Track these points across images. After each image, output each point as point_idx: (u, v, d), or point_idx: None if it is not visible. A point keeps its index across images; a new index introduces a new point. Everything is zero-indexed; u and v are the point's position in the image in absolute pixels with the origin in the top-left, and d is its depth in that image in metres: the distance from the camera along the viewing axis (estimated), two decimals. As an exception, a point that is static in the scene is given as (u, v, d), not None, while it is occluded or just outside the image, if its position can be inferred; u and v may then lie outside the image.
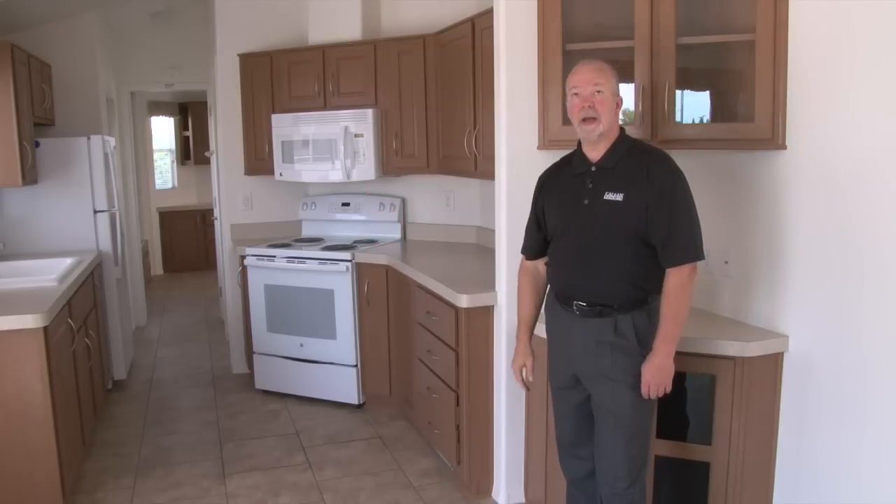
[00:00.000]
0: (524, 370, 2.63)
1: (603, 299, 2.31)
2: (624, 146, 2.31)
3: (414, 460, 3.75)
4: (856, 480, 2.37)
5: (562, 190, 2.41)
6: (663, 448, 2.69)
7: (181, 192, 9.90)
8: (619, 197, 2.24)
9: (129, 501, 3.38)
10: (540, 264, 2.57)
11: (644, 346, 2.29)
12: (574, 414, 2.50)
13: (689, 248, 2.24)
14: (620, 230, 2.25)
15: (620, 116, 2.36)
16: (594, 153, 2.32)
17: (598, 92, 2.23)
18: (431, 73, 4.20)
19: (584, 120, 2.26)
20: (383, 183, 4.88)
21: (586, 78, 2.25)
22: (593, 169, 2.32)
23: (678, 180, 2.26)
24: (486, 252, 4.14)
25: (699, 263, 2.27)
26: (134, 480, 3.58)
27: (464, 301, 3.16)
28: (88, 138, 4.70)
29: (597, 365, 2.33)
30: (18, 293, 3.33)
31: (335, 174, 4.53)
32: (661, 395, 2.29)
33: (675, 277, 2.24)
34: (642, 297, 2.30)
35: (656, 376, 2.25)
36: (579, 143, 2.40)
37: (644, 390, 2.28)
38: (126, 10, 6.39)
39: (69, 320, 3.46)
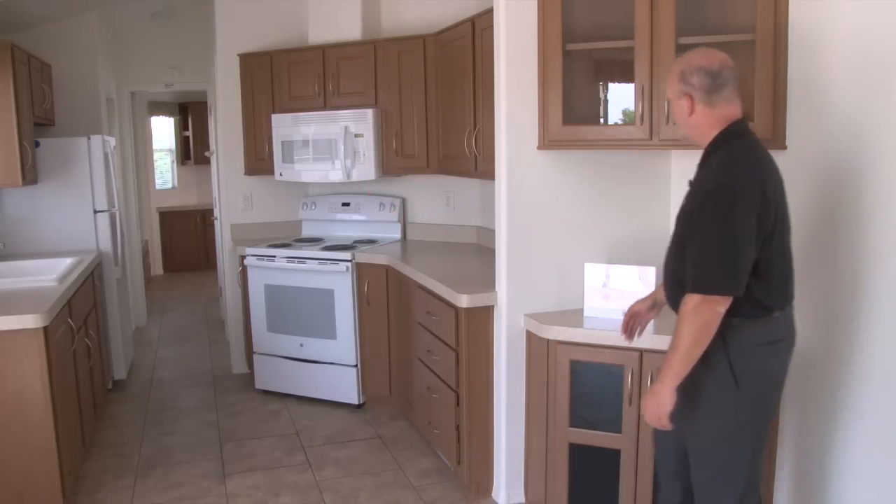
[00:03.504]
0: (636, 321, 2.48)
1: (672, 304, 2.19)
2: (711, 149, 2.10)
3: (414, 460, 3.75)
4: (854, 478, 2.37)
5: None
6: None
7: (181, 192, 9.90)
8: (683, 202, 2.16)
9: (129, 501, 3.38)
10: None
11: (713, 368, 2.06)
12: None
13: (697, 276, 2.00)
14: (676, 239, 2.16)
15: (620, 116, 2.34)
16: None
17: (669, 101, 2.16)
18: (431, 73, 4.20)
19: None
20: (383, 183, 4.88)
21: None
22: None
23: (713, 195, 1.99)
24: (486, 252, 4.14)
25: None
26: (134, 480, 3.58)
27: (464, 301, 3.16)
28: (88, 138, 4.69)
29: None
30: (18, 293, 3.33)
31: (335, 174, 4.53)
32: (655, 425, 2.14)
33: (683, 303, 2.04)
34: None
35: (647, 402, 2.12)
36: None
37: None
38: (126, 10, 6.39)
39: (69, 320, 3.46)
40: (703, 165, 2.12)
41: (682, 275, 2.09)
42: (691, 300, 2.00)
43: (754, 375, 2.07)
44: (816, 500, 2.52)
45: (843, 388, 2.39)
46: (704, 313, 1.98)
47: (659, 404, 2.07)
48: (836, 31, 2.33)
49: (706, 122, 2.08)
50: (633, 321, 2.50)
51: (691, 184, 2.15)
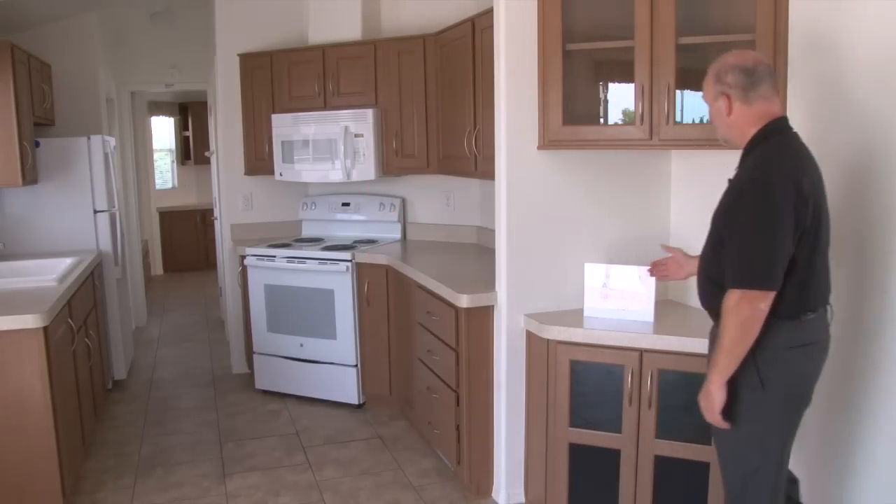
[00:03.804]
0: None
1: (709, 308, 2.19)
2: (750, 147, 2.08)
3: (414, 460, 3.75)
4: (855, 477, 2.37)
5: None
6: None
7: (181, 192, 9.90)
8: (720, 200, 2.14)
9: (129, 501, 3.38)
10: None
11: (741, 370, 2.04)
12: None
13: (736, 272, 1.99)
14: (711, 236, 2.15)
15: (620, 116, 2.34)
16: None
17: (708, 106, 2.16)
18: (431, 73, 4.20)
19: None
20: (383, 183, 4.88)
21: None
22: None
23: (749, 191, 1.99)
24: (486, 252, 4.14)
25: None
26: (134, 480, 3.58)
27: (464, 301, 3.16)
28: (88, 138, 4.69)
29: None
30: (18, 293, 3.33)
31: (335, 174, 4.53)
32: (713, 423, 2.11)
33: (724, 299, 2.02)
34: None
35: (700, 401, 2.13)
36: None
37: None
38: (126, 10, 6.40)
39: (69, 320, 3.46)
40: (742, 164, 2.11)
41: (714, 272, 2.10)
42: (732, 297, 1.99)
43: (781, 378, 2.04)
44: (817, 500, 2.51)
45: (845, 387, 2.38)
46: (744, 310, 1.96)
47: (710, 403, 2.07)
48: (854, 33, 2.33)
49: (745, 120, 2.07)
50: (660, 269, 2.65)
51: (731, 182, 2.14)
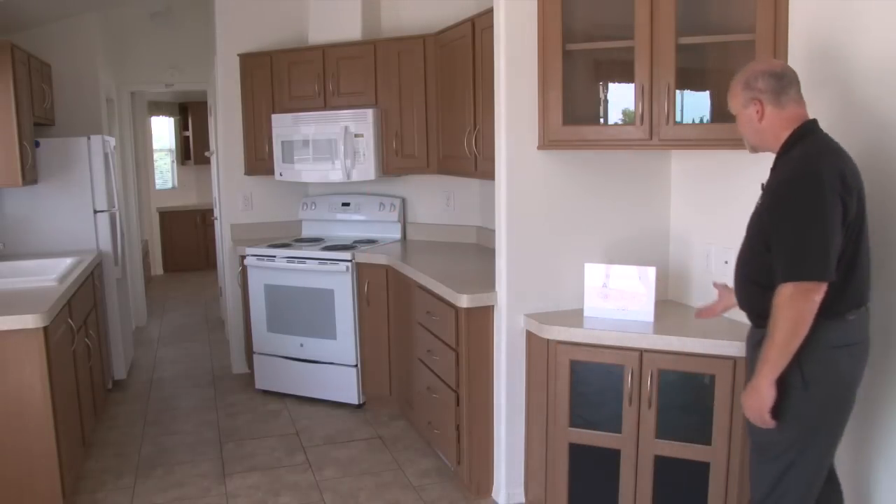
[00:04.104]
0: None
1: (750, 310, 2.20)
2: (785, 149, 2.10)
3: (414, 460, 3.75)
4: (857, 478, 2.36)
5: None
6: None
7: (181, 192, 9.90)
8: (757, 203, 2.16)
9: (129, 501, 3.38)
10: None
11: (792, 371, 2.03)
12: None
13: (788, 265, 1.98)
14: (751, 239, 2.16)
15: (620, 116, 2.35)
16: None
17: (736, 115, 2.18)
18: (431, 73, 4.20)
19: None
20: (383, 183, 4.88)
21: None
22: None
23: (796, 183, 1.99)
24: (486, 252, 4.14)
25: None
26: (134, 480, 3.58)
27: (464, 301, 3.16)
28: (88, 138, 4.70)
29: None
30: (18, 293, 3.33)
31: (335, 174, 4.53)
32: (757, 422, 2.09)
33: (776, 295, 2.00)
34: None
35: (746, 398, 2.09)
36: None
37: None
38: (126, 10, 6.40)
39: (69, 320, 3.46)
40: (776, 166, 2.13)
41: (756, 274, 2.11)
42: (785, 290, 1.97)
43: (825, 378, 2.03)
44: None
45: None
46: (798, 303, 1.95)
47: (759, 399, 2.04)
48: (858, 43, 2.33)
49: (778, 124, 2.10)
50: (707, 312, 2.63)
51: (764, 187, 2.15)
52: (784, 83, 2.08)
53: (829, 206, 1.93)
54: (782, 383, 2.03)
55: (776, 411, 2.06)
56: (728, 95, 2.20)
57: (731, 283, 2.64)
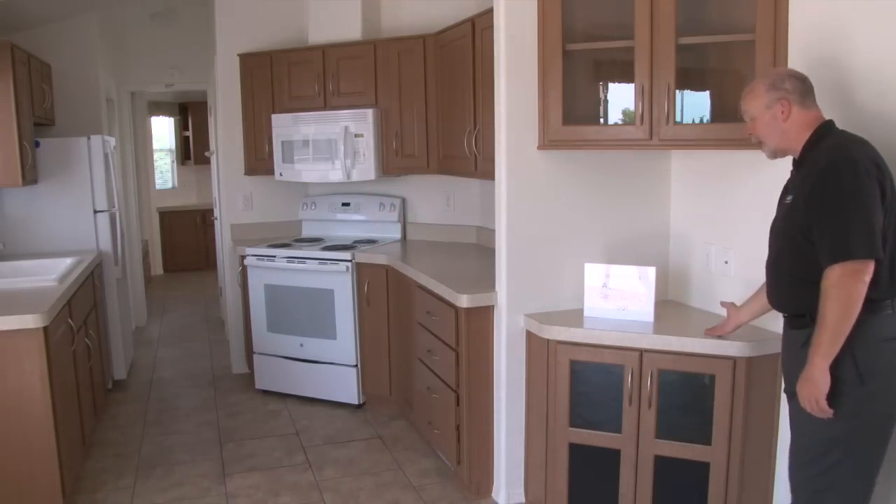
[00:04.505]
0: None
1: (788, 307, 2.21)
2: (808, 147, 2.13)
3: (414, 460, 3.75)
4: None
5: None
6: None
7: (181, 192, 9.90)
8: (788, 199, 2.16)
9: (129, 501, 3.38)
10: None
11: (835, 362, 1.98)
12: None
13: (835, 246, 1.96)
14: (785, 231, 2.16)
15: (620, 116, 2.35)
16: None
17: (751, 119, 2.20)
18: (431, 73, 4.20)
19: (759, 143, 2.25)
20: (383, 183, 4.88)
21: (741, 108, 2.24)
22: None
23: (833, 168, 2.00)
24: (486, 252, 4.14)
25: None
26: (134, 480, 3.58)
27: (464, 301, 3.16)
28: (88, 138, 4.70)
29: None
30: (18, 293, 3.33)
31: (335, 174, 4.53)
32: (815, 412, 2.03)
33: (824, 279, 1.99)
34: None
35: (801, 388, 2.04)
36: None
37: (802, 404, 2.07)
38: (126, 10, 6.40)
39: (69, 320, 3.46)
40: (800, 164, 2.16)
41: (799, 267, 2.10)
42: (832, 274, 1.96)
43: (883, 373, 2.00)
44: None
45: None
46: (847, 284, 1.94)
47: (814, 387, 1.99)
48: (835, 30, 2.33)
49: (802, 124, 2.13)
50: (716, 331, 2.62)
51: (787, 187, 2.20)
52: (807, 85, 2.14)
53: (869, 188, 1.94)
54: (835, 379, 1.99)
55: (831, 402, 2.02)
56: (745, 98, 2.21)
57: (730, 287, 2.65)
